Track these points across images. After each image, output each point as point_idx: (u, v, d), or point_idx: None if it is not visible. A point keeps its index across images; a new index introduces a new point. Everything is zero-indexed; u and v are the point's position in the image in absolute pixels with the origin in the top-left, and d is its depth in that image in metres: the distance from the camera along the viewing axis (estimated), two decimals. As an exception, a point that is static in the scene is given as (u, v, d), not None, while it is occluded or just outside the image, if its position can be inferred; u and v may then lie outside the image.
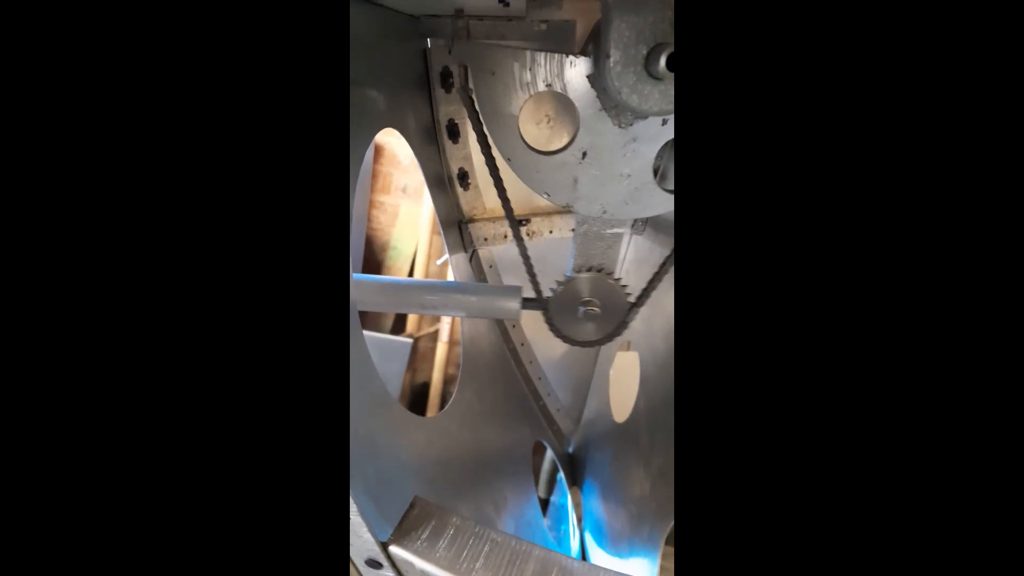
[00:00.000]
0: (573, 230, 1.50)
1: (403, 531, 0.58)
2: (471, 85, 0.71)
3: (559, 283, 0.86)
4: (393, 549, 0.57)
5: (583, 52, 0.71)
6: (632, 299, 0.90)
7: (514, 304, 0.82)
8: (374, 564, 0.59)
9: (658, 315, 1.27)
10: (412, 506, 0.61)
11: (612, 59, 0.61)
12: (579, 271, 0.85)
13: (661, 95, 0.63)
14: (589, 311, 0.86)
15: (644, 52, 0.61)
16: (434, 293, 0.69)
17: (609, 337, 0.92)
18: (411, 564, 0.56)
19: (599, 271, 0.85)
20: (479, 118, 0.71)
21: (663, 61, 0.58)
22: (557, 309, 0.87)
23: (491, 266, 1.45)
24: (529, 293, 0.90)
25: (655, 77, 0.61)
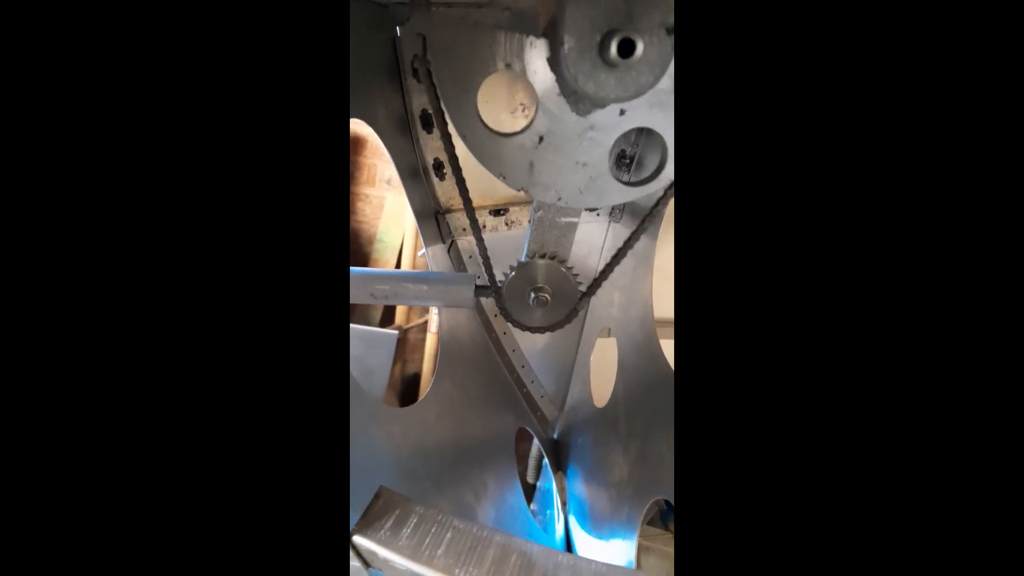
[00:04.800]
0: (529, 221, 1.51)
1: (367, 521, 0.59)
2: (429, 58, 0.69)
3: (512, 268, 0.86)
4: (357, 539, 0.58)
5: (545, 35, 0.70)
6: (585, 288, 0.91)
7: (467, 291, 0.82)
8: (340, 554, 0.60)
9: (635, 303, 1.27)
10: (377, 497, 0.62)
11: (567, 46, 0.61)
12: (533, 257, 0.85)
13: (617, 82, 0.62)
14: (540, 297, 0.86)
15: (598, 39, 0.60)
16: (385, 282, 0.68)
17: (558, 324, 0.92)
18: (375, 553, 0.57)
19: (552, 258, 0.85)
20: (436, 92, 0.70)
21: (614, 47, 0.58)
22: (510, 294, 0.88)
23: (471, 257, 1.45)
24: (480, 282, 0.90)
25: (610, 64, 0.60)
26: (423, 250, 1.48)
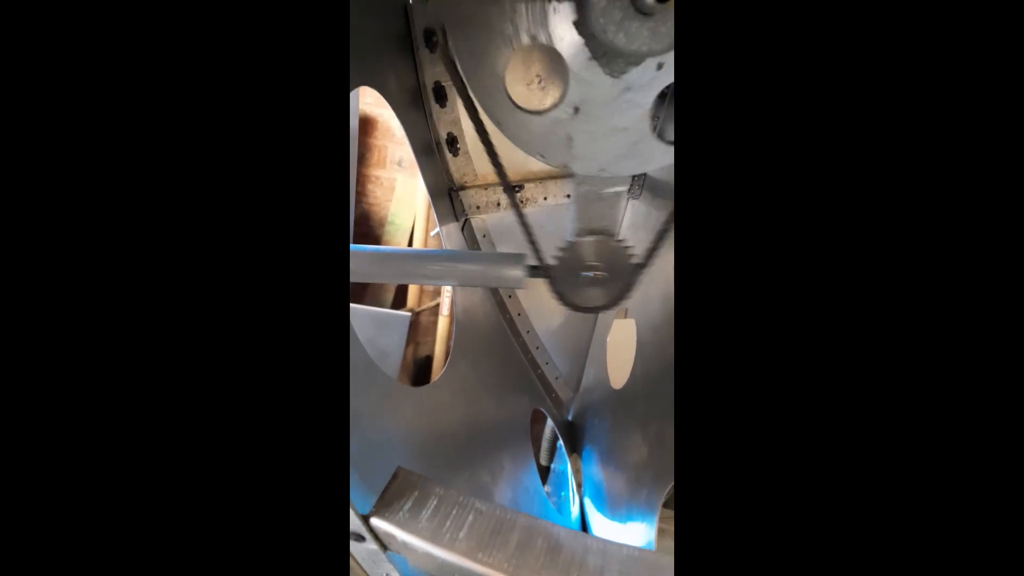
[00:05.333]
0: (568, 196, 1.46)
1: (385, 502, 0.57)
2: (451, 44, 0.66)
3: (561, 249, 0.82)
4: (375, 521, 0.56)
5: None
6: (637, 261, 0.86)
7: (519, 272, 0.79)
8: (357, 537, 0.58)
9: (655, 280, 1.23)
10: (395, 477, 0.60)
11: None
12: (580, 235, 0.81)
13: (650, 32, 0.57)
14: (594, 276, 0.82)
15: (631, -17, 0.55)
16: (437, 262, 0.65)
17: (616, 302, 0.88)
18: (393, 536, 0.55)
19: (601, 234, 0.81)
20: (463, 81, 0.67)
21: (651, -9, 0.53)
22: (562, 276, 0.84)
23: (484, 235, 1.41)
24: (531, 261, 0.86)
25: (643, 12, 0.56)
26: (435, 229, 1.45)
